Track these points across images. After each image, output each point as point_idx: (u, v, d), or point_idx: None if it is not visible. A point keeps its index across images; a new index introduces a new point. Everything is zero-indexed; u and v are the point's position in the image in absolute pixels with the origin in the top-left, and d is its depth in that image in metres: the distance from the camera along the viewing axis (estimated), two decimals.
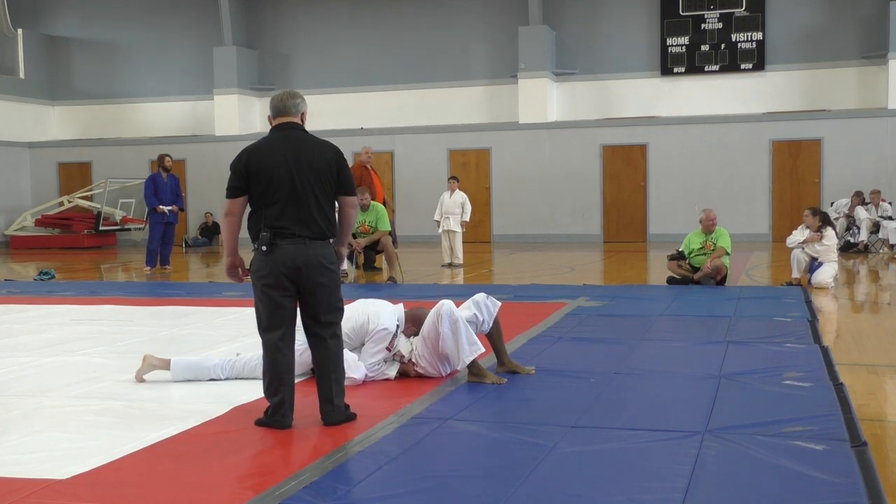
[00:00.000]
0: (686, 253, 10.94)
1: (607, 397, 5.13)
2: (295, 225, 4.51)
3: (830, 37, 19.28)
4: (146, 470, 3.92)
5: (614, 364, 6.00)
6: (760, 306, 8.75)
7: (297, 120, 4.72)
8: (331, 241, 4.67)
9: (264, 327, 4.59)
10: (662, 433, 4.30)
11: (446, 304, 5.50)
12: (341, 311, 4.74)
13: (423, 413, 4.77)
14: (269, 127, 4.76)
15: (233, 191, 4.58)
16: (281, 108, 4.69)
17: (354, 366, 5.46)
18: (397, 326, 5.65)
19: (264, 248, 4.49)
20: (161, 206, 14.25)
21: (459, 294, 6.07)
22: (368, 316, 5.60)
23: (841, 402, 4.81)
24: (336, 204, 4.72)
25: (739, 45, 19.68)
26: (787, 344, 6.62)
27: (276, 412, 4.56)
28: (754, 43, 19.60)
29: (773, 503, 3.41)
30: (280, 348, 4.56)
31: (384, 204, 12.88)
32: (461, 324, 5.43)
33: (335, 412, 4.59)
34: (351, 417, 4.64)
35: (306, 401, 4.82)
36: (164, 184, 14.36)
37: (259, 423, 4.60)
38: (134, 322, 8.43)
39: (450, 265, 14.25)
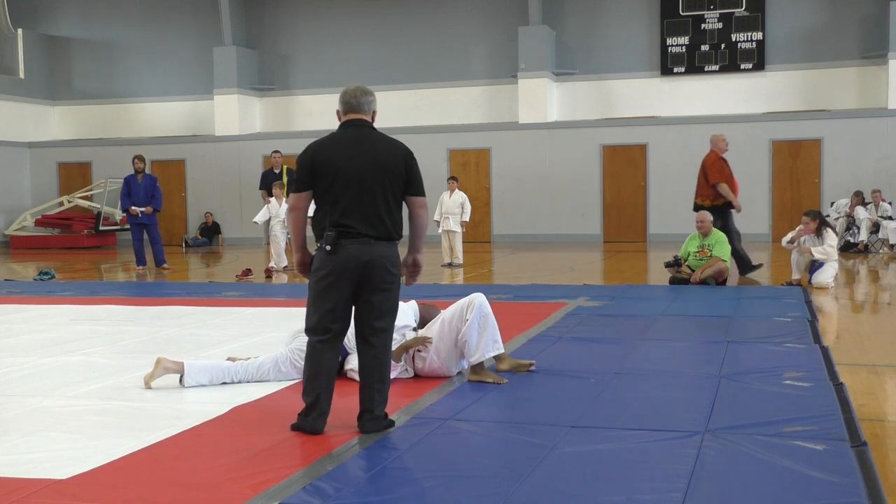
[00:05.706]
0: (683, 257, 10.98)
1: (607, 397, 5.13)
2: (361, 224, 4.33)
3: (830, 37, 19.28)
4: (146, 470, 3.91)
5: (614, 364, 6.00)
6: (760, 306, 8.75)
7: (368, 118, 4.60)
8: (396, 242, 4.50)
9: (311, 328, 4.43)
10: (662, 433, 4.30)
11: (480, 296, 5.56)
12: (394, 315, 4.55)
13: (423, 413, 4.77)
14: (338, 122, 4.62)
15: (298, 184, 4.44)
16: (354, 105, 4.56)
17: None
18: (415, 322, 5.72)
19: (328, 247, 4.31)
20: (133, 207, 14.56)
21: (459, 294, 6.06)
22: None
23: (841, 402, 4.81)
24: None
25: (739, 45, 19.67)
26: (787, 344, 6.62)
27: (308, 413, 4.42)
28: (754, 43, 19.59)
29: (773, 503, 3.41)
30: (322, 350, 4.40)
31: None
32: (491, 319, 5.53)
33: (373, 421, 4.42)
34: (390, 425, 4.47)
35: None
36: (138, 185, 14.66)
37: (294, 427, 4.46)
38: (134, 322, 8.43)
39: (450, 265, 14.25)
